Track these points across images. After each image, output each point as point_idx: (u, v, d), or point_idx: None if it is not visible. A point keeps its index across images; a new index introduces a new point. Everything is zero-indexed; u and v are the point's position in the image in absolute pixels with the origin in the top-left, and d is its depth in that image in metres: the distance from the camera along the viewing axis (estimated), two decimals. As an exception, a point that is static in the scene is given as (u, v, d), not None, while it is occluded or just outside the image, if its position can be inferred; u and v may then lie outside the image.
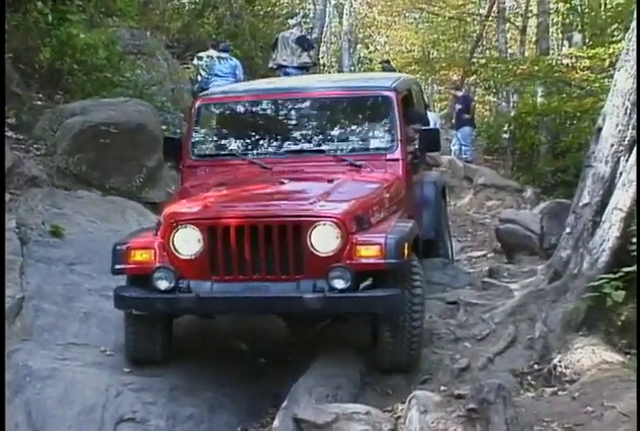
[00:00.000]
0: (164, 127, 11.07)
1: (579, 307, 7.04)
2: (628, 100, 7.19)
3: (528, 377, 6.77)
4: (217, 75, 15.11)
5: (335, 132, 7.99)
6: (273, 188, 7.02)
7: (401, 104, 7.78)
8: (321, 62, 28.21)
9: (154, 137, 10.10)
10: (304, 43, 17.17)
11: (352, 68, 25.60)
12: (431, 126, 18.92)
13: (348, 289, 6.13)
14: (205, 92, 8.67)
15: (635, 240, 6.77)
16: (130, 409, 6.23)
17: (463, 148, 20.61)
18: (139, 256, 6.38)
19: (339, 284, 6.12)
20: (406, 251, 6.35)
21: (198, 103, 8.08)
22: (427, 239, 7.95)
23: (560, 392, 6.41)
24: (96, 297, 7.34)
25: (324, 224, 6.23)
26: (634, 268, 6.63)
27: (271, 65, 17.07)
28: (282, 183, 7.04)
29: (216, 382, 6.74)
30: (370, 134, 7.88)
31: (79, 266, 7.86)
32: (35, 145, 9.86)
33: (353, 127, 7.97)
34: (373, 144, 7.76)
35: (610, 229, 7.06)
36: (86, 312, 7.25)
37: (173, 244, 6.32)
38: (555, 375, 6.69)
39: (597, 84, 17.67)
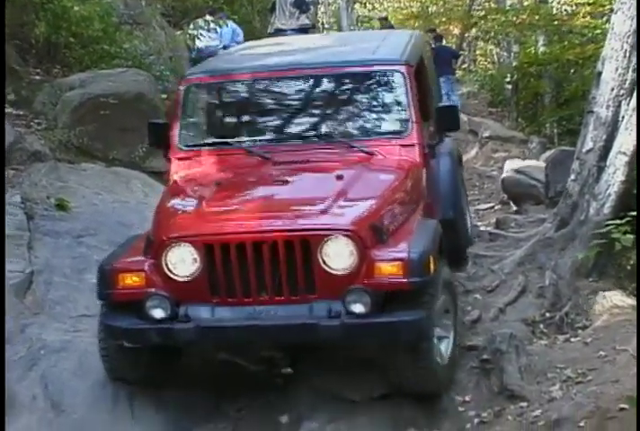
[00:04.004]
0: (164, 96, 11.01)
1: (588, 253, 7.01)
2: (627, 42, 7.16)
3: (541, 325, 6.80)
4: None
5: (340, 114, 7.02)
6: (275, 189, 6.16)
7: (414, 79, 6.82)
8: (320, 23, 27.95)
9: (154, 106, 10.11)
10: (301, 5, 16.95)
11: (352, 28, 25.33)
12: None
13: (368, 314, 5.35)
14: (190, 71, 7.62)
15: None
16: (145, 379, 6.25)
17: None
18: (129, 280, 5.62)
19: (358, 308, 5.34)
20: (432, 266, 5.59)
21: (184, 85, 7.08)
22: (445, 219, 6.88)
23: (572, 339, 6.45)
24: (105, 268, 7.32)
25: (337, 238, 5.44)
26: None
27: (270, 30, 16.81)
28: (285, 182, 6.21)
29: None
30: (381, 116, 6.97)
31: (87, 238, 7.83)
32: (36, 120, 9.87)
33: (361, 109, 7.02)
34: (384, 127, 6.84)
35: (615, 174, 7.05)
36: (96, 283, 7.26)
37: (167, 265, 5.56)
38: (566, 322, 6.73)
39: (598, 31, 17.53)
